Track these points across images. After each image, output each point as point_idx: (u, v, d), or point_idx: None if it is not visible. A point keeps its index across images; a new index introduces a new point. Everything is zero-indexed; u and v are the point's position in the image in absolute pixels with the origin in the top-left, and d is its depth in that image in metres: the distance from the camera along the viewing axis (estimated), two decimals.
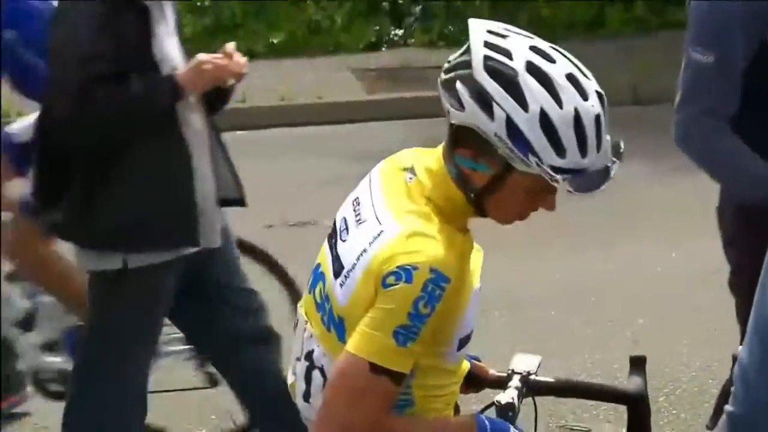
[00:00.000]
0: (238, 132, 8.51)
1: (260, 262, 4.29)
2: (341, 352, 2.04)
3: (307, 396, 2.16)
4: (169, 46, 3.34)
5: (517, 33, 2.02)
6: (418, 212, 2.03)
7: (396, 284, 1.97)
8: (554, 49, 2.01)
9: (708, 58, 2.83)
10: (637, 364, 2.29)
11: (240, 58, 3.34)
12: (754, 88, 2.85)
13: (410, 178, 2.08)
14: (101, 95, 3.10)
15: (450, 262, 1.98)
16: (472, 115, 1.95)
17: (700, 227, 5.93)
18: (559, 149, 1.94)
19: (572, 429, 4.16)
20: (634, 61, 8.70)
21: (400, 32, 10.40)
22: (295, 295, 4.20)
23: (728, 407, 1.68)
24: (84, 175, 3.25)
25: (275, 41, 10.22)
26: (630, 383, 2.26)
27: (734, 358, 1.84)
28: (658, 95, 8.07)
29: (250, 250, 4.20)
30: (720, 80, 2.83)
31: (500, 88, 1.94)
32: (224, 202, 3.48)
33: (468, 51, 1.99)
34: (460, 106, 1.97)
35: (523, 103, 1.93)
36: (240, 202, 3.54)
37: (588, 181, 1.97)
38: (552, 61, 1.97)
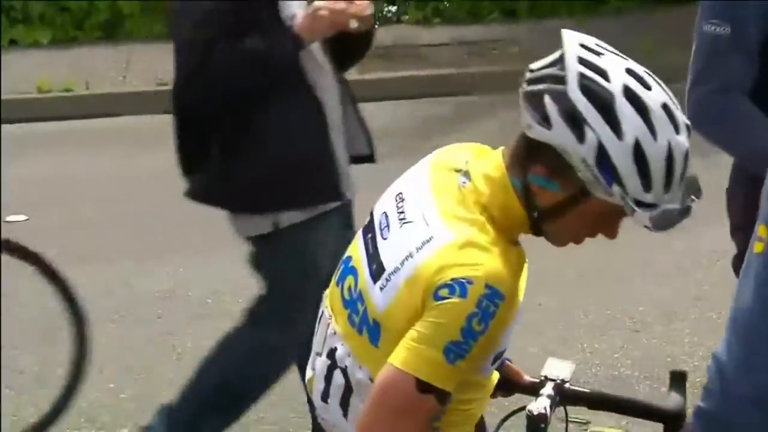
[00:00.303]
0: None
1: (30, 262, 4.10)
2: (370, 353, 1.94)
3: (325, 396, 2.06)
4: (295, 4, 3.24)
5: (610, 51, 1.92)
6: (472, 220, 1.92)
7: (449, 298, 1.85)
8: (647, 73, 1.91)
9: (724, 29, 2.76)
10: (677, 381, 2.18)
11: (360, 1, 3.22)
12: None
13: (464, 183, 1.96)
14: (218, 54, 3.08)
15: (505, 277, 1.87)
16: (559, 134, 1.85)
17: (701, 213, 5.86)
18: (647, 183, 1.84)
19: (571, 421, 4.04)
20: (637, 39, 8.59)
21: (393, 9, 10.24)
22: (67, 296, 4.06)
23: (701, 404, 1.62)
24: (221, 138, 3.23)
25: None
26: (669, 400, 2.15)
27: None
28: (661, 74, 7.97)
29: (20, 251, 4.05)
30: (736, 53, 2.76)
31: (595, 112, 1.83)
32: (354, 159, 3.42)
33: (559, 63, 1.88)
34: (547, 123, 1.86)
35: (618, 131, 1.83)
36: (370, 158, 3.46)
37: (665, 217, 1.86)
38: (648, 87, 1.87)
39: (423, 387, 1.86)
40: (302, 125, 3.23)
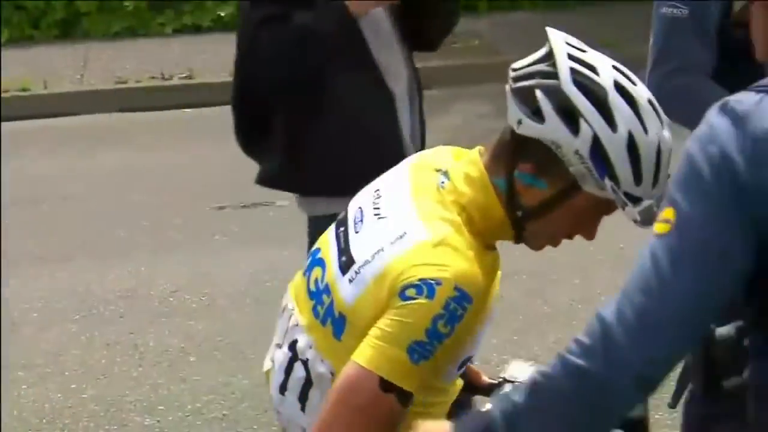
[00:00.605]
0: (186, 110, 8.37)
1: None
2: (332, 346, 1.93)
3: (283, 388, 2.04)
4: None
5: (590, 49, 1.94)
6: (448, 221, 1.91)
7: (416, 298, 1.84)
8: (628, 71, 1.94)
9: (682, 11, 2.79)
10: None
11: None
12: (727, 39, 2.80)
13: (443, 183, 1.95)
14: (266, 34, 3.03)
15: (475, 281, 1.86)
16: (552, 129, 1.86)
17: None
18: (638, 176, 1.86)
19: None
20: (599, 31, 8.61)
21: None
22: None
23: (576, 359, 1.62)
24: (284, 120, 3.15)
25: (223, 14, 10.04)
26: None
27: None
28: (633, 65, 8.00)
29: None
30: (694, 35, 2.80)
31: (589, 105, 1.85)
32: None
33: (548, 60, 1.89)
34: (539, 117, 1.86)
35: (612, 124, 1.85)
36: None
37: (649, 211, 1.87)
38: (634, 83, 1.90)
39: (386, 386, 1.85)
40: (368, 106, 3.12)
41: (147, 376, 4.47)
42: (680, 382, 2.23)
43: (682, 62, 2.80)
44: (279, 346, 2.06)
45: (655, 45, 2.87)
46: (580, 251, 5.46)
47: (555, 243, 1.98)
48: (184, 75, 8.69)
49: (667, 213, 1.61)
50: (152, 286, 5.27)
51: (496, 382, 2.18)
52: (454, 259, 1.85)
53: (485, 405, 2.05)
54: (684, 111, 2.86)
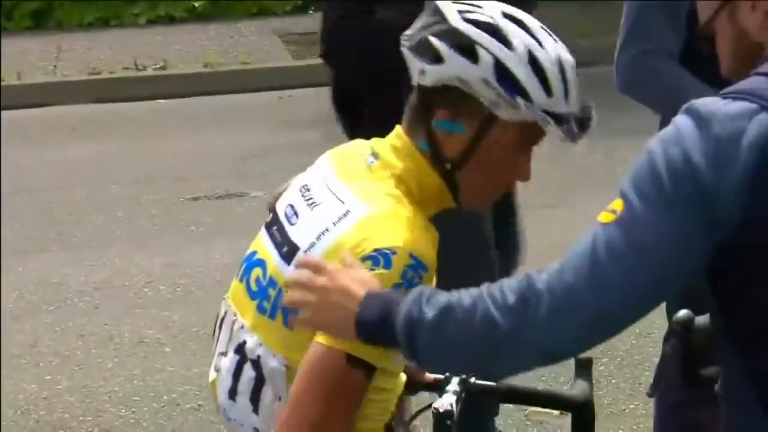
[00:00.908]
0: (160, 101, 8.35)
1: None
2: (283, 339, 1.90)
3: (232, 393, 2.01)
4: None
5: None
6: (389, 194, 1.91)
7: (373, 270, 1.82)
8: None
9: None
10: (583, 367, 2.15)
11: None
12: (693, 35, 2.83)
13: (372, 162, 1.97)
14: (344, 29, 3.15)
15: (428, 249, 1.86)
16: (453, 65, 1.89)
17: None
18: (547, 88, 1.89)
19: (539, 412, 4.04)
20: (589, 22, 8.64)
21: None
22: None
23: (494, 310, 1.64)
24: (371, 113, 3.23)
25: (197, 4, 10.03)
26: (575, 388, 2.14)
27: (671, 324, 1.82)
28: (600, 56, 8.03)
29: None
30: (663, 18, 2.84)
31: (483, 33, 1.90)
32: None
33: (435, 14, 1.94)
34: (439, 60, 1.90)
35: (508, 44, 1.90)
36: None
37: (570, 128, 1.90)
38: (520, 13, 1.95)
39: (353, 361, 1.84)
40: None
41: (122, 366, 4.47)
42: (659, 371, 2.24)
43: (651, 45, 2.84)
44: (223, 353, 2.04)
45: (625, 26, 2.91)
46: (556, 238, 5.48)
47: (494, 193, 1.98)
48: (158, 65, 8.66)
49: (616, 204, 1.62)
50: (127, 276, 5.26)
51: (442, 377, 2.14)
52: (404, 228, 1.86)
53: (435, 402, 2.02)
54: (650, 93, 2.90)
